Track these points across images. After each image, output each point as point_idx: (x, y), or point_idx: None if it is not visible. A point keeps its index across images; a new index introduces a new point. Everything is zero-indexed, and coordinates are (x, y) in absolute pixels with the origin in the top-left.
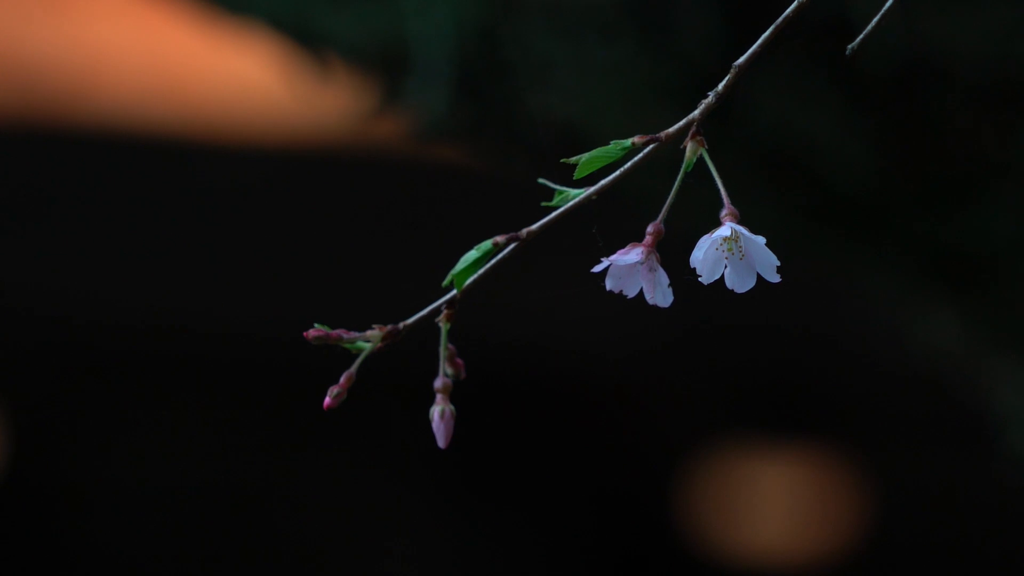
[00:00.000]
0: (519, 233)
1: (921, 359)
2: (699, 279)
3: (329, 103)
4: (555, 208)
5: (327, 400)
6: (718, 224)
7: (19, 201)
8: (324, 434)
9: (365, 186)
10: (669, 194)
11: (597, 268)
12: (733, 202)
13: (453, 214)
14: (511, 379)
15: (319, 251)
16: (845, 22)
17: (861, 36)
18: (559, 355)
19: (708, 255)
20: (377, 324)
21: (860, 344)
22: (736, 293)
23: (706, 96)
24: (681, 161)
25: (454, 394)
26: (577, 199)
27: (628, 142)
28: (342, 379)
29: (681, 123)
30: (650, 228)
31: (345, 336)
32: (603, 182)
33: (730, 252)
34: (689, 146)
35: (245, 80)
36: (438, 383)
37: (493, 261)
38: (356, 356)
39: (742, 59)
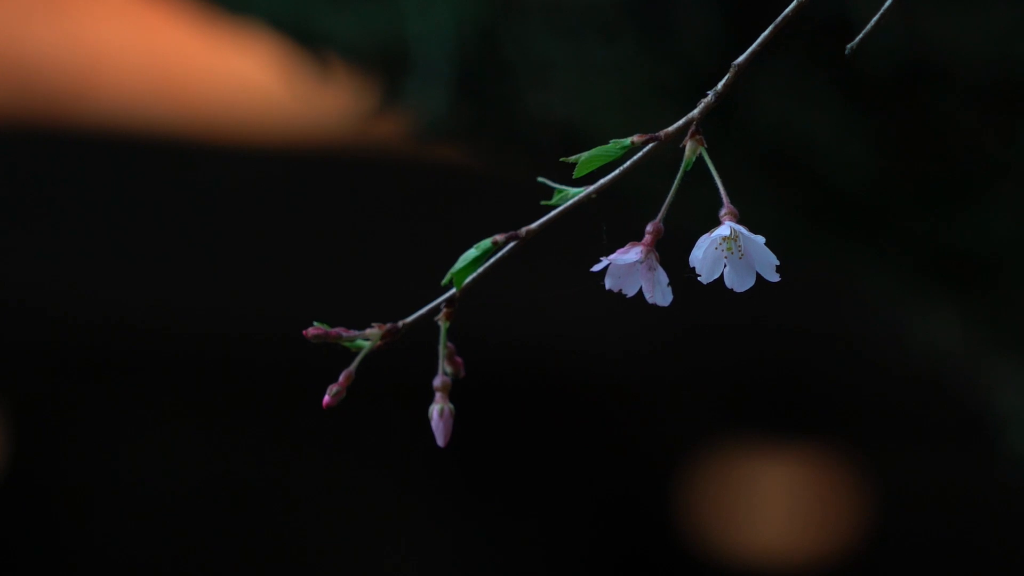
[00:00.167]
0: (519, 232)
1: (921, 359)
2: (698, 278)
3: (329, 103)
4: (554, 207)
5: (326, 399)
6: (717, 223)
7: (19, 201)
8: (324, 434)
9: (365, 186)
10: (668, 193)
11: (596, 267)
12: (732, 201)
13: (453, 214)
14: (510, 378)
15: (319, 251)
16: (845, 22)
17: (860, 35)
18: (559, 354)
19: (707, 254)
20: (376, 323)
21: (860, 344)
22: (735, 292)
23: (706, 95)
24: (678, 160)
25: (453, 393)
26: (576, 198)
27: (627, 141)
28: (341, 378)
29: (680, 122)
30: (649, 227)
31: (344, 334)
32: (602, 181)
33: (729, 251)
34: (688, 145)
35: (245, 80)
36: (437, 382)
37: (492, 260)
38: (355, 355)
39: (741, 58)
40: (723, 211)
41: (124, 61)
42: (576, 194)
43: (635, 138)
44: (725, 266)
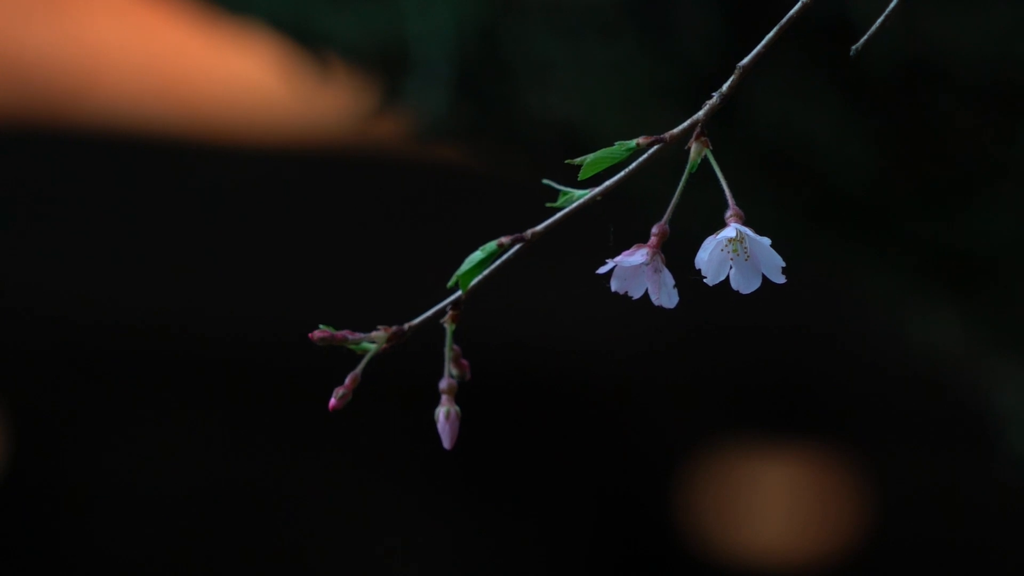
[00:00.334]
0: (524, 234)
1: (921, 359)
2: (704, 280)
3: (329, 103)
4: (559, 209)
5: (332, 401)
6: (722, 225)
7: (19, 201)
8: (324, 435)
9: (365, 186)
10: (671, 194)
11: (602, 269)
12: (735, 203)
13: (453, 214)
14: (511, 379)
15: (318, 251)
16: (845, 22)
17: (866, 36)
18: (559, 355)
19: (713, 256)
20: (382, 325)
21: (860, 344)
22: (740, 294)
23: (710, 97)
24: (683, 162)
25: (456, 395)
26: (582, 200)
27: (633, 143)
28: (347, 380)
29: (686, 124)
30: (655, 229)
31: (350, 337)
32: (608, 183)
33: (735, 253)
34: (694, 147)
35: (245, 80)
36: (443, 384)
37: (498, 262)
38: (359, 357)
39: (746, 60)
40: (729, 213)
41: (124, 61)
42: (581, 196)
43: (640, 140)
44: (731, 268)
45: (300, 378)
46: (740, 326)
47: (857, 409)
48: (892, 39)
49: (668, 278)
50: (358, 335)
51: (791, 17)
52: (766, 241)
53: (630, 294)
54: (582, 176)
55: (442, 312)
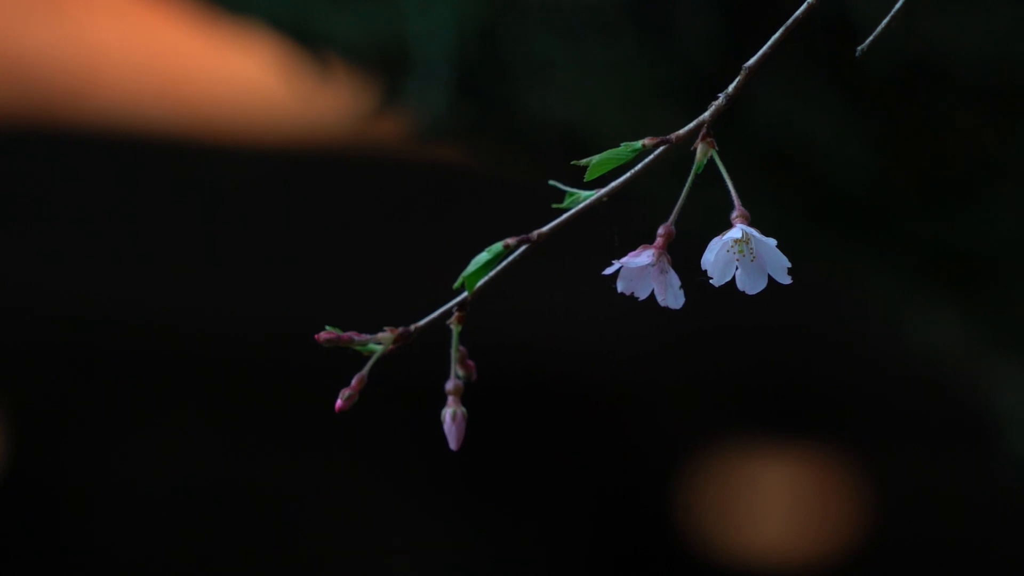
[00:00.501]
0: (530, 235)
1: (921, 359)
2: (710, 281)
3: (329, 103)
4: (564, 210)
5: (339, 402)
6: (728, 226)
7: (19, 201)
8: (325, 435)
9: (365, 186)
10: (673, 195)
11: (608, 270)
12: (741, 203)
13: (453, 214)
14: (511, 379)
15: (318, 251)
16: (845, 22)
17: (871, 37)
18: (560, 355)
19: (719, 257)
20: (387, 326)
21: (860, 344)
22: (746, 295)
23: (716, 97)
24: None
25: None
26: (588, 201)
27: (639, 144)
28: (354, 381)
29: (692, 124)
30: (661, 230)
31: (356, 338)
32: (614, 184)
33: (741, 254)
34: (700, 148)
35: (245, 80)
36: (449, 385)
37: (504, 263)
38: (360, 358)
39: (752, 60)
40: (734, 213)
41: (124, 61)
42: (587, 197)
43: (646, 141)
44: (737, 268)
45: (300, 378)
46: (741, 326)
47: (857, 409)
48: (892, 39)
49: (674, 279)
50: (364, 336)
51: (797, 18)
52: (772, 242)
53: (636, 295)
54: (588, 177)
55: (448, 313)
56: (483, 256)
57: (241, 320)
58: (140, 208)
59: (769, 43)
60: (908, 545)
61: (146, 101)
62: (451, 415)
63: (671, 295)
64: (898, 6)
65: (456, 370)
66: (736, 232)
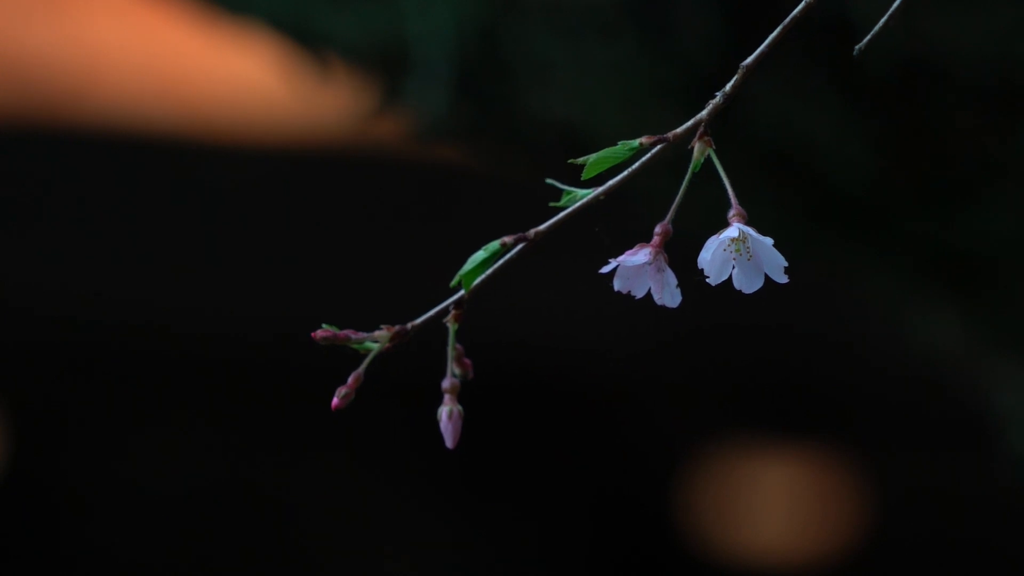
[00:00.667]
0: (527, 234)
1: (921, 359)
2: (707, 280)
3: (329, 103)
4: (561, 208)
5: (335, 401)
6: (725, 225)
7: (19, 201)
8: (324, 435)
9: (365, 186)
10: (669, 193)
11: (605, 269)
12: (738, 202)
13: (453, 214)
14: (509, 378)
15: (318, 251)
16: (845, 22)
17: (869, 36)
18: (559, 354)
19: (716, 256)
20: (383, 324)
21: (860, 344)
22: (743, 294)
23: (714, 96)
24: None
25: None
26: (585, 199)
27: (636, 143)
28: (350, 380)
29: (689, 123)
30: (658, 228)
31: (353, 336)
32: (611, 182)
33: (738, 253)
34: (697, 146)
35: (245, 80)
36: (446, 383)
37: (501, 262)
38: (359, 357)
39: (750, 59)
40: (731, 212)
41: (124, 61)
42: (584, 196)
43: (644, 139)
44: (733, 267)
45: (300, 378)
46: (740, 325)
47: (857, 409)
48: (892, 39)
49: (671, 277)
50: (361, 335)
51: (795, 17)
52: (769, 241)
53: (633, 294)
54: (585, 176)
55: (445, 311)
56: (480, 254)
57: (241, 320)
58: (140, 208)
59: (767, 42)
60: (908, 545)
61: (146, 101)
62: (447, 413)
63: (668, 294)
64: (896, 5)
65: (453, 368)
66: (733, 231)
